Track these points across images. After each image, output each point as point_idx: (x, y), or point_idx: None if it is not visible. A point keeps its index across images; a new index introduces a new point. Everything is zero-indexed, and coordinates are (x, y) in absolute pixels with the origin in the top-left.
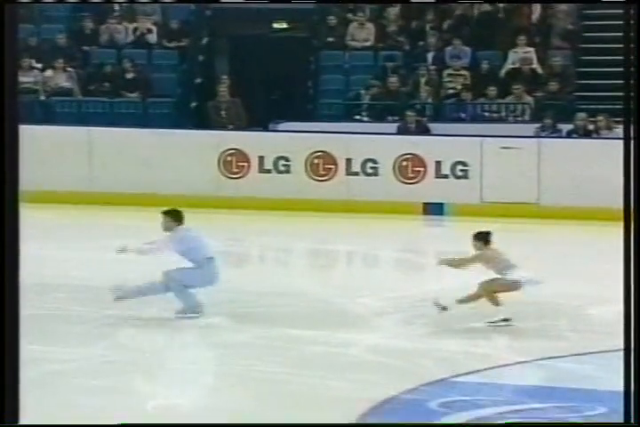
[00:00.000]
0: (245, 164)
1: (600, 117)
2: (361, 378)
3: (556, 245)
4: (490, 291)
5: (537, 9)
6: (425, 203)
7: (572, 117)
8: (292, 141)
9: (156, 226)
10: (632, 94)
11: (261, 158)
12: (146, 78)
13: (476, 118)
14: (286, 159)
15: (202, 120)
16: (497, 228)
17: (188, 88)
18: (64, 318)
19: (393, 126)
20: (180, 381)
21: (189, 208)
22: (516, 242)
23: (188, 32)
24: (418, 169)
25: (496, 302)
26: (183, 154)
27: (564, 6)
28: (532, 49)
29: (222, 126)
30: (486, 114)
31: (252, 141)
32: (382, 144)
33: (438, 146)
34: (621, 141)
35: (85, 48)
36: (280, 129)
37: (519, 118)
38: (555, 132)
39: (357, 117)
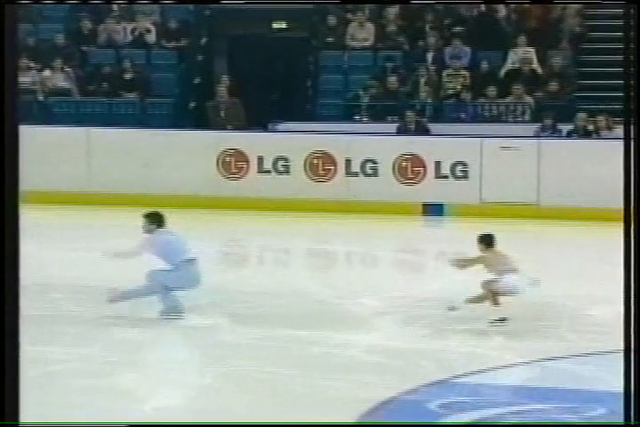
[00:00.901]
0: (244, 164)
1: (600, 118)
2: (360, 379)
3: (556, 245)
4: (491, 292)
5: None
6: (424, 203)
7: (572, 118)
8: (292, 142)
9: None
10: (632, 94)
11: (260, 159)
12: (144, 78)
13: (475, 119)
14: (285, 160)
15: (201, 120)
16: (496, 228)
17: (187, 88)
18: (62, 319)
19: (392, 127)
20: (178, 381)
21: (188, 209)
22: (516, 243)
23: (187, 32)
24: (417, 169)
25: (496, 303)
26: (182, 154)
27: (572, 7)
28: (532, 49)
29: (221, 127)
30: (486, 114)
31: (252, 142)
32: (382, 144)
33: (438, 146)
34: (622, 142)
35: (84, 48)
36: (279, 129)
37: (519, 119)
38: (555, 133)
39: (357, 118)
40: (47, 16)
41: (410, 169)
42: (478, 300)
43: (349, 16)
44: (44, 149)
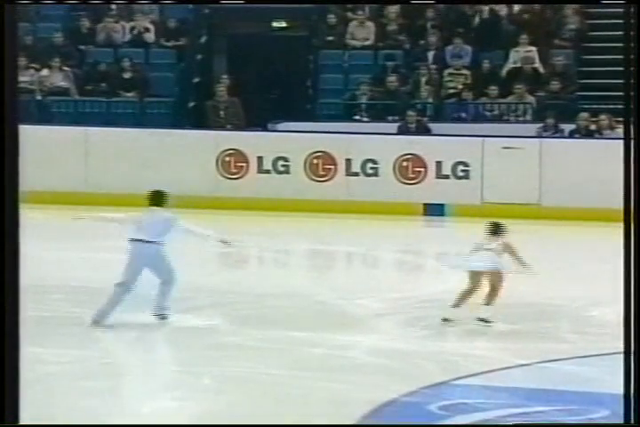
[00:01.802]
0: (244, 164)
1: (602, 117)
2: (360, 380)
3: (558, 246)
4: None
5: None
6: (425, 203)
7: (574, 117)
8: (292, 142)
9: None
10: (632, 94)
11: (260, 159)
12: (143, 78)
13: (477, 118)
14: (285, 159)
15: (200, 120)
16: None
17: (186, 88)
18: (61, 320)
19: (393, 126)
20: (177, 382)
21: (187, 209)
22: (518, 243)
23: (186, 31)
24: (418, 169)
25: (491, 300)
26: (181, 154)
27: (574, 6)
28: (533, 48)
29: (221, 126)
30: (487, 114)
31: (251, 142)
32: (382, 144)
33: (439, 146)
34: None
35: (82, 47)
36: (279, 129)
37: (521, 118)
38: (557, 132)
39: (357, 117)
40: (45, 15)
41: (411, 169)
42: (464, 297)
43: (350, 15)
44: (42, 149)
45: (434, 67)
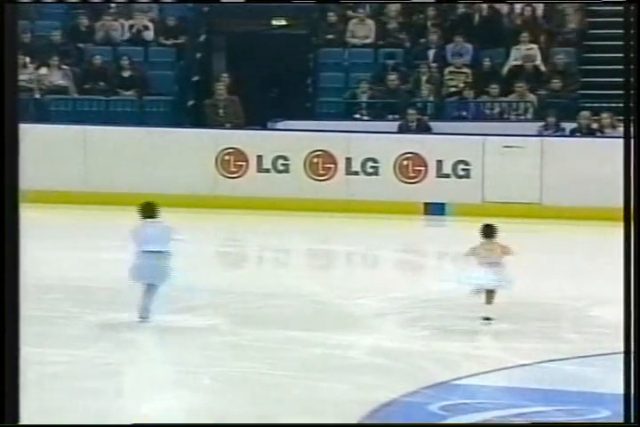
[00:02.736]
0: (243, 163)
1: (604, 116)
2: (361, 380)
3: (559, 245)
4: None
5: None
6: (426, 203)
7: (575, 116)
8: (291, 140)
9: None
10: (632, 92)
11: (260, 157)
12: (142, 76)
13: (477, 117)
14: (285, 158)
15: (199, 118)
16: (498, 228)
17: (186, 86)
18: (60, 320)
19: (394, 125)
20: (177, 383)
21: (186, 208)
22: (518, 242)
23: (186, 29)
24: (419, 168)
25: (490, 300)
26: (180, 153)
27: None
28: (534, 46)
29: (220, 125)
30: (488, 112)
31: (251, 140)
32: (383, 143)
33: (440, 145)
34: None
35: (81, 45)
36: (279, 128)
37: (522, 117)
38: (558, 131)
39: (357, 116)
40: (44, 13)
41: (411, 168)
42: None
43: (350, 13)
44: (41, 148)
45: (434, 65)
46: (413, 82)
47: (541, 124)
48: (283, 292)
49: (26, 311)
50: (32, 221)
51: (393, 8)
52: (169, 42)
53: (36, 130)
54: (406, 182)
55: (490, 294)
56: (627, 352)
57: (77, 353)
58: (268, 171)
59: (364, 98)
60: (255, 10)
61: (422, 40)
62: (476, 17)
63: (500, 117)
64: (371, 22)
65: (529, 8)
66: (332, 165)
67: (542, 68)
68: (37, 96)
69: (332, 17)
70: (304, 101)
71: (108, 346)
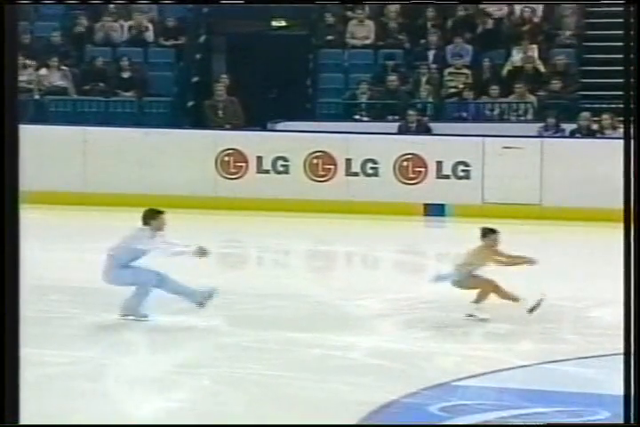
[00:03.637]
0: (243, 164)
1: (604, 116)
2: (360, 382)
3: (559, 246)
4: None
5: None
6: (426, 204)
7: (575, 117)
8: (291, 141)
9: None
10: (632, 93)
11: (259, 158)
12: (142, 77)
13: (477, 118)
14: (285, 159)
15: (199, 119)
16: (498, 229)
17: (185, 87)
18: (60, 321)
19: (393, 126)
20: (176, 384)
21: (186, 209)
22: (519, 244)
23: (185, 30)
24: (418, 169)
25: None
26: (180, 154)
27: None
28: (534, 47)
29: (219, 126)
30: (488, 113)
31: (250, 141)
32: (382, 144)
33: (439, 146)
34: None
35: (80, 46)
36: (278, 129)
37: (522, 118)
38: (558, 132)
39: (357, 117)
40: (43, 14)
41: (411, 169)
42: (482, 297)
43: (349, 14)
44: (40, 149)
45: (434, 66)
46: (413, 83)
47: (541, 125)
48: (282, 293)
49: (25, 312)
50: (32, 222)
51: (393, 9)
52: (168, 43)
53: (35, 130)
54: (406, 183)
55: (481, 294)
56: (627, 353)
57: (77, 354)
58: (267, 172)
59: (363, 99)
60: (255, 11)
61: (422, 41)
62: (477, 21)
63: (500, 118)
64: (370, 23)
65: (528, 9)
66: (331, 166)
67: (542, 68)
68: (37, 97)
69: (331, 18)
70: (304, 102)
71: (108, 347)
